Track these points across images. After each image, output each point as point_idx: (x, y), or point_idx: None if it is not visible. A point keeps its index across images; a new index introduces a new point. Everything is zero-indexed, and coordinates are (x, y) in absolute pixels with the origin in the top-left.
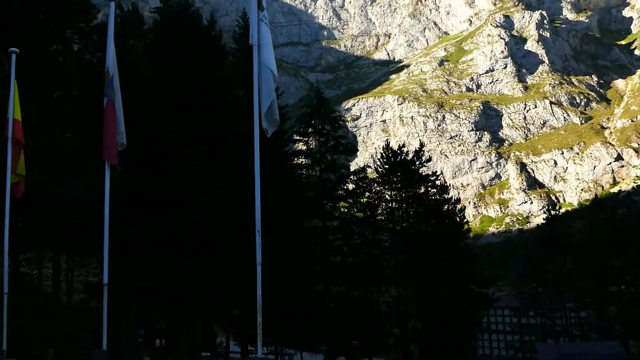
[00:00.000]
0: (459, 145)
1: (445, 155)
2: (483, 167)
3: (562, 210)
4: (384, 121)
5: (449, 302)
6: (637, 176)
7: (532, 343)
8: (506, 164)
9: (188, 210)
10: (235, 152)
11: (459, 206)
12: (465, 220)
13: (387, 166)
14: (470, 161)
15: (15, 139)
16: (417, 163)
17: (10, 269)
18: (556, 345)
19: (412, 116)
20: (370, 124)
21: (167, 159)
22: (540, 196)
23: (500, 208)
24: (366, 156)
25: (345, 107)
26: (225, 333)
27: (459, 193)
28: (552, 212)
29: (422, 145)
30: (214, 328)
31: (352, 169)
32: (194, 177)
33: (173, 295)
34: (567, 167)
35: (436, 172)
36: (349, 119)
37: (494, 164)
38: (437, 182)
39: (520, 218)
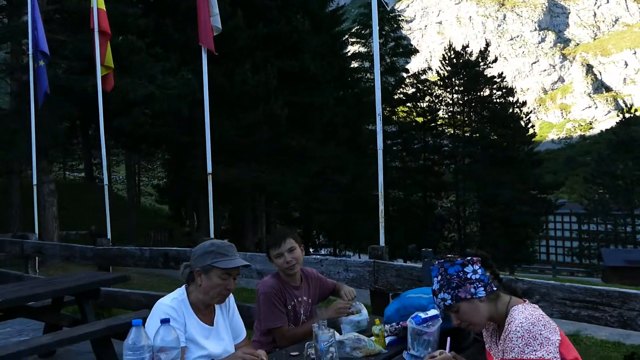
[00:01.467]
0: (519, 47)
1: (505, 58)
2: (545, 70)
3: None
4: (440, 22)
5: (510, 207)
6: None
7: (594, 249)
8: (571, 66)
9: (257, 113)
10: (299, 53)
11: (524, 109)
12: (530, 125)
13: (449, 68)
14: (532, 64)
15: (101, 29)
16: (481, 64)
17: (84, 172)
18: (622, 251)
19: (470, 16)
20: (425, 25)
21: (232, 60)
22: (607, 100)
23: (562, 113)
24: (421, 60)
25: (399, 9)
26: None
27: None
28: (627, 115)
29: (487, 44)
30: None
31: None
32: (261, 80)
33: (241, 194)
34: (639, 69)
35: (502, 73)
36: (402, 21)
37: (557, 67)
38: (502, 85)
39: (583, 124)
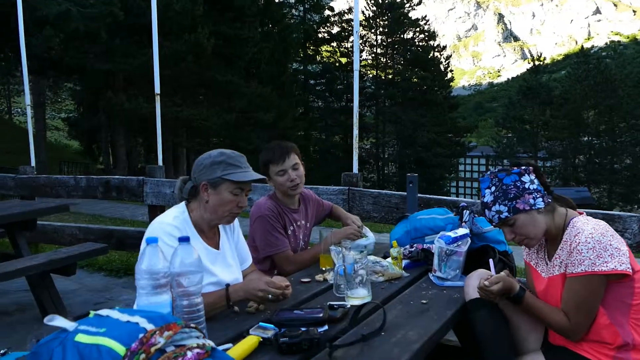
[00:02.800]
0: None
1: (424, 3)
2: (460, 17)
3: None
4: None
5: (427, 149)
6: (612, 31)
7: None
8: (484, 14)
9: (181, 42)
10: None
11: (444, 53)
12: (450, 69)
13: (374, 8)
14: (449, 10)
15: None
16: (406, 5)
17: None
18: None
19: None
20: None
21: None
22: (514, 49)
23: (473, 61)
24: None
25: None
26: None
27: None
28: (536, 63)
29: None
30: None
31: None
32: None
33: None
34: (544, 20)
35: (425, 16)
36: None
37: (471, 14)
38: (425, 28)
39: (492, 71)
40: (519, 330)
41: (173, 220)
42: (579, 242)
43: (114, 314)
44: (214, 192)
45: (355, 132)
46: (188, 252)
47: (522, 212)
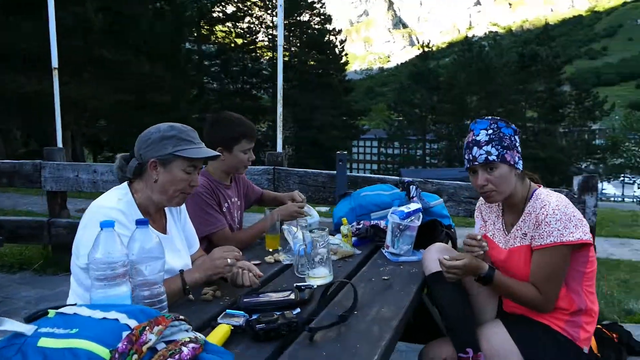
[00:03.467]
0: None
1: None
2: (353, 3)
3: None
4: None
5: (322, 131)
6: (491, 22)
7: (394, 170)
8: (375, 1)
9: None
10: None
11: (339, 37)
12: (345, 53)
13: None
14: None
15: None
16: None
17: None
18: (418, 171)
19: None
20: None
21: None
22: (403, 36)
23: (365, 46)
24: None
25: None
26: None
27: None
28: (425, 50)
29: None
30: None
31: None
32: None
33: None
34: (431, 9)
35: None
36: None
37: (363, 0)
38: (322, 11)
39: (382, 57)
40: (476, 302)
41: (117, 204)
42: (547, 214)
43: (83, 310)
44: (164, 170)
45: (280, 109)
46: (147, 237)
47: (506, 164)
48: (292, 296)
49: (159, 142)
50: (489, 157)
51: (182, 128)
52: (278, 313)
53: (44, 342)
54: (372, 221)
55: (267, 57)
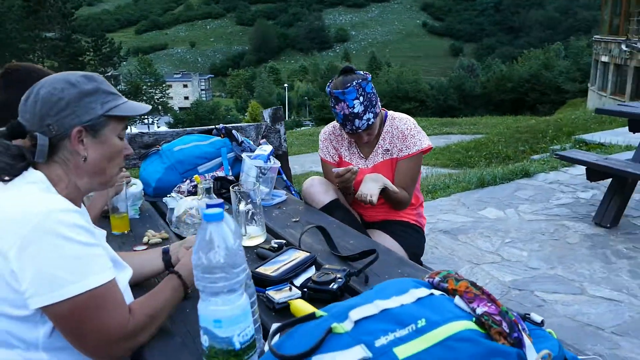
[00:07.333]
0: None
1: None
2: None
3: None
4: None
5: None
6: None
7: None
8: None
9: None
10: None
11: None
12: None
13: None
14: None
15: None
16: None
17: None
18: None
19: None
20: None
21: None
22: None
23: None
24: None
25: None
26: None
27: None
28: None
29: None
30: None
31: None
32: None
33: None
34: None
35: None
36: None
37: None
38: None
39: None
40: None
41: (63, 203)
42: (409, 128)
43: (382, 305)
44: (94, 140)
45: None
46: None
47: (377, 115)
48: (299, 253)
49: (78, 101)
50: (369, 122)
51: (98, 77)
52: (326, 270)
53: (401, 352)
54: (203, 175)
55: None
